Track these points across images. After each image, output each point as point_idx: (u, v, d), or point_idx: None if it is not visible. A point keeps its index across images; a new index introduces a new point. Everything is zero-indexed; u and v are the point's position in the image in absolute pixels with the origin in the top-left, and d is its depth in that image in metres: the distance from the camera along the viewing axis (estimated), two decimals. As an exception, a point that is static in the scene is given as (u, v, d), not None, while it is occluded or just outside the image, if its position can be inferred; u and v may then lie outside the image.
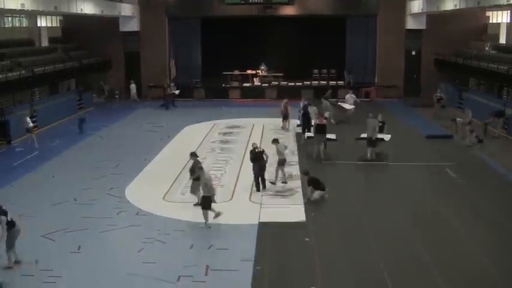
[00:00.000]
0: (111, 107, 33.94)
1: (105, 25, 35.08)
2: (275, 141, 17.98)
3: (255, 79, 37.32)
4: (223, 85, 36.92)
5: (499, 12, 32.88)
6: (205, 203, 14.12)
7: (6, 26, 30.96)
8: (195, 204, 15.33)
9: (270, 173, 17.46)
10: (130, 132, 26.50)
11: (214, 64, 36.32)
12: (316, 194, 15.97)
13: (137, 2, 36.23)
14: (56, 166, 20.34)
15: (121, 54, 36.93)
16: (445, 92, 32.37)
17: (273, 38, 37.59)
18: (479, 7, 25.94)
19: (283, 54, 37.75)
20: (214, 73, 36.53)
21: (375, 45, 36.61)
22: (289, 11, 36.33)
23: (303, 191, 16.66)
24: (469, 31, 34.83)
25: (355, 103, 28.44)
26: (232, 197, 16.62)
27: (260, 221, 14.37)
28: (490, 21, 34.84)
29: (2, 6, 19.87)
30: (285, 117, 26.39)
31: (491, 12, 34.17)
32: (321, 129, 20.53)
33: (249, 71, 37.38)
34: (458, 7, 26.55)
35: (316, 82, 37.06)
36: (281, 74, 37.28)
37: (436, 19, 33.93)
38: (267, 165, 17.14)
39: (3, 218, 11.57)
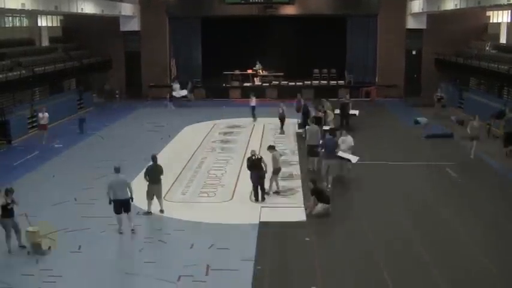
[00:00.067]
0: (112, 106, 33.94)
1: (106, 25, 35.08)
2: (271, 148, 16.95)
3: (255, 79, 37.33)
4: (224, 85, 36.93)
5: (500, 12, 32.87)
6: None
7: (6, 25, 30.96)
8: (145, 213, 15.01)
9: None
10: (131, 132, 26.50)
11: (214, 64, 36.32)
12: (319, 207, 14.70)
13: (138, 1, 36.23)
14: (56, 166, 20.34)
15: (121, 54, 36.93)
16: (446, 92, 32.36)
17: (274, 37, 37.61)
18: (480, 7, 25.92)
19: (284, 54, 37.74)
20: (215, 73, 36.55)
21: (375, 45, 36.61)
22: (289, 10, 36.33)
23: (304, 195, 16.58)
24: (469, 31, 34.82)
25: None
26: (232, 196, 16.62)
27: (260, 220, 14.36)
28: (491, 21, 34.83)
29: (3, 6, 19.87)
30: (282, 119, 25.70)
31: (491, 12, 34.16)
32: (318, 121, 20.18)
33: (249, 71, 37.42)
34: (458, 7, 26.54)
35: (317, 82, 37.05)
36: (281, 74, 37.30)
37: (437, 19, 33.92)
38: (266, 174, 16.18)
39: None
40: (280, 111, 25.68)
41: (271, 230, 13.89)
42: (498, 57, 28.32)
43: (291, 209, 15.41)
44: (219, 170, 19.25)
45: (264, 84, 36.82)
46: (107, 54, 36.24)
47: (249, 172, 16.19)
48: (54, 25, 35.90)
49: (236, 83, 37.11)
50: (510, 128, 21.24)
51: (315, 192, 14.84)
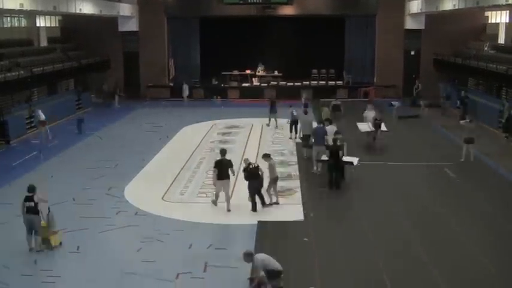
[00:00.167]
0: (111, 107, 33.91)
1: (104, 25, 35.07)
2: (266, 156, 16.16)
3: (253, 79, 37.34)
4: (222, 85, 36.93)
5: (498, 12, 32.90)
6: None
7: (5, 26, 30.92)
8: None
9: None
10: (129, 132, 26.50)
11: (213, 64, 36.35)
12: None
13: (136, 2, 36.22)
14: (54, 166, 20.32)
15: (120, 54, 36.93)
16: (444, 92, 32.40)
17: (272, 38, 37.64)
18: (478, 7, 25.95)
19: (282, 54, 37.77)
20: (213, 73, 36.56)
21: (374, 45, 36.66)
22: (288, 11, 36.35)
23: (302, 195, 16.61)
24: (468, 31, 34.86)
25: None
26: (231, 196, 16.57)
27: (259, 220, 14.34)
28: (489, 21, 34.88)
29: (1, 6, 19.84)
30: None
31: (490, 12, 34.20)
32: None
33: (248, 71, 37.42)
34: (457, 7, 26.55)
35: (315, 82, 37.07)
36: (280, 74, 37.31)
37: (435, 19, 33.95)
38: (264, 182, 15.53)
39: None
40: (295, 113, 23.91)
41: (270, 230, 13.88)
42: (497, 58, 28.34)
43: (289, 209, 15.39)
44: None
45: (262, 85, 36.82)
46: (105, 54, 36.23)
47: (246, 182, 15.42)
48: (52, 25, 35.87)
49: (234, 84, 37.11)
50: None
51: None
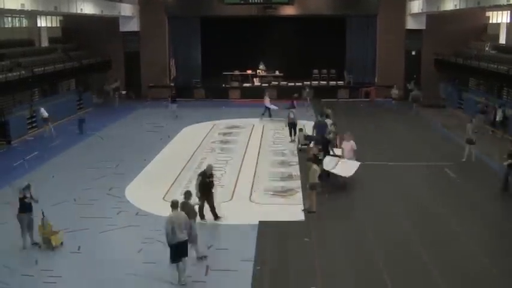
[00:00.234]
0: (112, 107, 33.92)
1: (105, 25, 35.09)
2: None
3: (255, 79, 37.34)
4: (223, 85, 36.94)
5: (499, 13, 32.88)
6: None
7: (6, 26, 30.95)
8: None
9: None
10: (131, 132, 26.50)
11: (214, 64, 36.33)
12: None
13: (137, 2, 36.24)
14: (55, 166, 20.33)
15: (121, 54, 36.95)
16: (445, 92, 32.40)
17: (273, 38, 37.63)
18: (479, 7, 25.93)
19: (283, 54, 37.75)
20: (214, 73, 36.55)
21: (375, 45, 36.63)
22: (289, 11, 36.34)
23: (302, 191, 16.64)
24: (469, 31, 34.82)
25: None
26: (232, 197, 16.62)
27: (260, 220, 14.35)
28: (490, 22, 34.85)
29: (2, 6, 19.87)
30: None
31: (491, 13, 34.17)
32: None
33: (249, 71, 37.41)
34: (458, 7, 26.55)
35: (316, 82, 37.06)
36: (281, 74, 37.31)
37: (436, 19, 33.93)
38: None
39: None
40: (291, 116, 23.89)
41: (271, 230, 13.89)
42: (497, 58, 28.32)
43: (290, 209, 15.40)
44: (219, 171, 19.21)
45: (263, 85, 36.80)
46: (106, 54, 36.24)
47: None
48: (53, 25, 35.91)
49: (236, 84, 37.11)
50: None
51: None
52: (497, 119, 24.72)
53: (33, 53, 30.48)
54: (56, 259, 12.38)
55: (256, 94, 35.97)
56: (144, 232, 13.80)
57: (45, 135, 25.16)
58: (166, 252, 12.42)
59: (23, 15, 31.52)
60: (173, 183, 17.87)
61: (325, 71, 37.48)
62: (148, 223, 14.46)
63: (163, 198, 16.51)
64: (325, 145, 18.70)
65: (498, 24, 33.34)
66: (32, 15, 31.15)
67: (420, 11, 33.13)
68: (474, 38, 34.79)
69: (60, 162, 21.01)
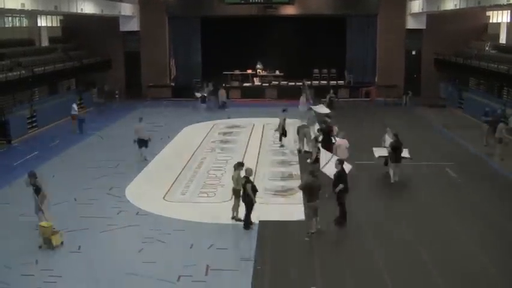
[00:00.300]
0: (111, 106, 33.93)
1: (105, 25, 35.10)
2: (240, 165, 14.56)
3: (255, 79, 37.35)
4: (224, 85, 36.90)
5: (499, 12, 32.88)
6: None
7: (6, 25, 30.96)
8: None
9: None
10: (131, 132, 26.39)
11: (214, 64, 36.33)
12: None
13: (137, 1, 36.23)
14: (56, 166, 20.33)
15: (121, 54, 36.95)
16: (445, 92, 32.38)
17: (273, 37, 37.61)
18: (480, 7, 25.93)
19: (284, 54, 37.75)
20: (215, 73, 36.54)
21: (375, 45, 36.63)
22: (289, 10, 36.34)
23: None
24: (469, 31, 34.82)
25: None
26: (232, 197, 16.58)
27: (260, 220, 14.34)
28: (490, 21, 34.84)
29: (2, 6, 19.88)
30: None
31: (491, 12, 34.17)
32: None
33: (249, 71, 37.43)
34: (458, 7, 26.55)
35: (317, 82, 37.06)
36: (281, 74, 37.31)
37: (436, 19, 33.92)
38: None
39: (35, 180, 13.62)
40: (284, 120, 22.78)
41: (271, 229, 13.89)
42: (498, 57, 28.32)
43: (290, 209, 15.40)
44: (219, 170, 19.25)
45: (263, 85, 36.82)
46: (107, 54, 36.24)
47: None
48: (53, 25, 35.91)
49: (236, 83, 37.11)
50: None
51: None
52: None
53: (34, 53, 30.48)
54: (56, 259, 12.38)
55: (256, 94, 36.08)
56: (144, 232, 13.80)
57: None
58: (168, 252, 12.47)
59: (23, 15, 31.52)
60: (173, 183, 17.87)
61: (325, 70, 37.50)
62: (149, 223, 14.46)
63: (164, 197, 16.52)
64: (327, 133, 18.89)
65: (498, 24, 33.34)
66: (32, 14, 31.15)
67: (420, 10, 33.13)
68: (474, 38, 34.79)
69: (60, 162, 21.01)
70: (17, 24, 32.36)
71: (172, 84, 37.30)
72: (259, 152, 22.12)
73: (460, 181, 17.93)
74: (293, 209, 15.34)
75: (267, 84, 36.78)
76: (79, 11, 26.99)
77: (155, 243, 13.10)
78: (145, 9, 36.45)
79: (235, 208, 14.54)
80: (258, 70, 37.50)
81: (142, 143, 20.29)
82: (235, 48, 36.37)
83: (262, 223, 14.15)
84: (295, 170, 19.30)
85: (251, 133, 25.70)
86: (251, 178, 14.20)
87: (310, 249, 12.75)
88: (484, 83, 30.68)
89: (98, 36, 35.83)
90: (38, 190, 13.52)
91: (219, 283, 11.22)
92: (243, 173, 14.16)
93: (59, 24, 36.66)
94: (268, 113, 28.97)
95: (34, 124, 26.51)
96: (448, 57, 33.70)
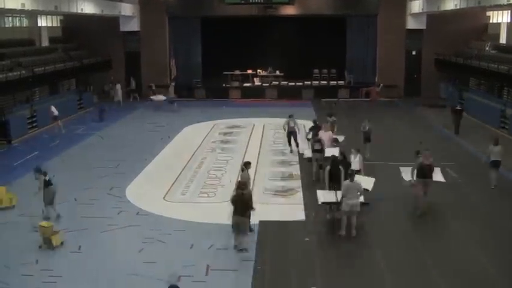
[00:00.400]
0: (111, 106, 33.89)
1: (106, 25, 35.10)
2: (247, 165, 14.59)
3: (255, 79, 37.35)
4: (224, 85, 36.95)
5: (500, 12, 32.88)
6: None
7: (6, 25, 30.98)
8: None
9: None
10: (131, 132, 26.51)
11: (214, 64, 36.34)
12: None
13: (137, 1, 36.23)
14: (56, 166, 20.31)
15: (121, 54, 36.94)
16: (445, 92, 32.35)
17: (273, 37, 37.63)
18: (480, 7, 25.93)
19: (284, 54, 37.77)
20: (215, 73, 36.56)
21: (375, 45, 36.62)
22: (289, 10, 36.34)
23: (303, 191, 16.64)
24: (469, 31, 34.82)
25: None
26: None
27: (260, 220, 14.34)
28: (491, 21, 34.84)
29: (2, 6, 19.88)
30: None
31: (491, 12, 34.17)
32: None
33: (249, 71, 37.43)
34: (458, 7, 26.54)
35: (317, 82, 37.07)
36: (281, 74, 37.32)
37: (437, 19, 33.92)
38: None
39: (42, 177, 14.29)
40: (291, 124, 21.51)
41: (271, 229, 13.89)
42: (498, 58, 28.32)
43: (290, 209, 15.40)
44: (219, 170, 19.25)
45: (264, 85, 36.82)
46: (107, 54, 36.24)
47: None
48: (54, 25, 35.92)
49: (236, 83, 37.12)
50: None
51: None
52: None
53: (34, 53, 30.49)
54: (56, 259, 12.38)
55: (256, 94, 36.08)
56: (145, 232, 13.80)
57: (55, 132, 25.84)
58: (168, 252, 12.46)
59: (23, 15, 31.53)
60: (174, 183, 17.87)
61: (325, 70, 37.50)
62: (149, 223, 14.46)
63: (164, 198, 16.53)
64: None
65: (498, 24, 33.35)
66: (32, 14, 31.16)
67: (420, 10, 33.13)
68: (474, 38, 34.79)
69: (60, 162, 21.00)
70: (17, 24, 32.37)
71: (173, 84, 37.25)
72: (259, 152, 22.13)
73: (460, 181, 17.92)
74: (293, 209, 15.33)
75: (267, 85, 36.79)
76: (79, 11, 26.99)
77: (155, 244, 13.10)
78: (146, 10, 36.45)
79: None
80: (268, 71, 37.34)
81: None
82: (235, 48, 36.38)
83: (263, 223, 14.14)
84: (296, 170, 19.30)
85: (251, 133, 25.70)
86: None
87: (310, 249, 12.75)
88: (484, 83, 30.68)
89: (98, 36, 35.83)
90: (48, 183, 14.10)
91: (219, 283, 11.23)
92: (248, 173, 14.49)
93: (59, 24, 36.67)
94: (269, 113, 28.99)
95: (34, 124, 26.51)
96: (448, 57, 33.70)
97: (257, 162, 20.21)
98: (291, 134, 21.64)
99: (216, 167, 19.81)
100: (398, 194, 16.69)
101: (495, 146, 17.02)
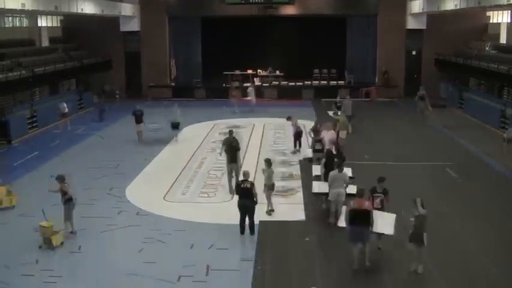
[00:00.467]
0: (112, 106, 33.88)
1: (106, 25, 35.10)
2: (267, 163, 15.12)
3: (255, 79, 37.35)
4: (224, 85, 36.93)
5: (500, 12, 32.88)
6: None
7: (6, 25, 30.97)
8: None
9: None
10: (131, 132, 26.45)
11: (215, 64, 36.35)
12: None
13: (138, 1, 36.24)
14: (56, 166, 20.31)
15: (121, 54, 36.94)
16: (445, 92, 32.30)
17: (274, 37, 37.65)
18: (480, 7, 25.91)
19: (284, 54, 37.81)
20: (215, 73, 36.57)
21: (375, 45, 36.62)
22: (289, 10, 36.34)
23: (303, 191, 16.64)
24: (469, 31, 34.81)
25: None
26: (232, 197, 16.58)
27: (260, 220, 14.34)
28: (491, 21, 34.84)
29: (3, 6, 19.87)
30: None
31: (491, 12, 34.17)
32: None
33: (249, 71, 37.43)
34: (458, 7, 26.53)
35: (317, 82, 37.07)
36: (281, 74, 37.33)
37: (437, 19, 33.92)
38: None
39: (66, 185, 13.64)
40: (298, 124, 21.86)
41: (271, 229, 13.89)
42: (498, 58, 28.31)
43: (290, 209, 15.40)
44: (219, 170, 19.22)
45: (264, 85, 36.83)
46: (107, 54, 36.24)
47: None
48: (54, 25, 35.92)
49: (236, 83, 37.09)
50: None
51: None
52: None
53: (34, 53, 30.48)
54: (56, 259, 12.39)
55: (256, 94, 35.96)
56: (145, 232, 13.80)
57: (61, 129, 26.27)
58: (168, 252, 12.46)
59: (23, 15, 31.53)
60: (174, 183, 17.88)
61: (325, 70, 37.50)
62: (149, 223, 14.46)
63: (164, 198, 16.53)
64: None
65: (499, 24, 33.34)
66: (32, 15, 31.16)
67: (421, 10, 33.13)
68: (475, 38, 34.77)
69: (60, 162, 20.99)
70: (17, 24, 32.37)
71: (173, 84, 37.31)
72: (259, 152, 22.12)
73: (460, 181, 17.93)
74: (293, 209, 15.34)
75: (267, 85, 36.79)
76: (79, 11, 26.98)
77: (155, 243, 13.10)
78: (146, 10, 36.45)
79: (269, 201, 14.90)
80: (268, 71, 37.32)
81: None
82: (235, 48, 36.40)
83: (263, 223, 14.15)
84: (296, 170, 19.30)
85: (251, 133, 25.69)
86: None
87: (310, 249, 12.75)
88: (484, 83, 30.67)
89: (99, 37, 35.83)
90: (69, 199, 13.46)
91: (219, 283, 11.23)
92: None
93: (59, 24, 36.67)
94: (269, 113, 28.98)
95: (34, 124, 26.51)
96: (449, 57, 33.69)
97: (257, 162, 20.20)
98: (297, 135, 21.76)
99: (216, 167, 19.79)
100: (399, 195, 16.69)
101: None
